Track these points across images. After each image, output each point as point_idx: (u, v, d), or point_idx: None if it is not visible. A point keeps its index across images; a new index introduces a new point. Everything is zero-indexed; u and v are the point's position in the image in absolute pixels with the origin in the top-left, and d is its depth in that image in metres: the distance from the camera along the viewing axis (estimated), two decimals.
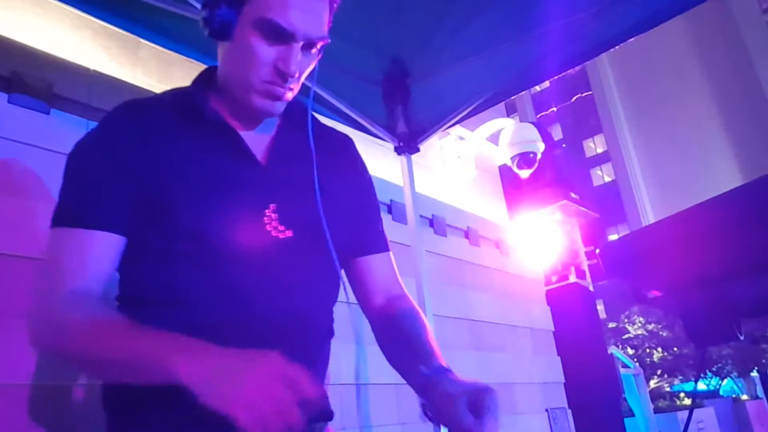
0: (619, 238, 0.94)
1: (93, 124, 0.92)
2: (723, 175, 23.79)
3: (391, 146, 2.13)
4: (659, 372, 15.91)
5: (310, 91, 0.97)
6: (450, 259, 2.87)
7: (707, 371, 15.31)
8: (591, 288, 4.62)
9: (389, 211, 2.52)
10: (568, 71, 2.01)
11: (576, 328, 4.00)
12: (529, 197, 4.19)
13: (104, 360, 0.77)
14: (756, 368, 15.96)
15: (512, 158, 3.69)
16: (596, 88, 30.75)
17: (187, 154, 0.88)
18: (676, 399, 13.93)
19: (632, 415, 6.65)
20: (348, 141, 1.10)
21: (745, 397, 15.24)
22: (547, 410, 3.18)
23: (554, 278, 4.33)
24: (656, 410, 9.09)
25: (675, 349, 15.44)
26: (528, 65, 1.94)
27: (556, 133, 31.59)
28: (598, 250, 0.92)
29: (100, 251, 0.83)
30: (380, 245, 1.06)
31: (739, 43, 26.59)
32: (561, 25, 1.75)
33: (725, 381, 16.59)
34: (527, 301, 3.40)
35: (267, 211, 0.88)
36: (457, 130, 3.30)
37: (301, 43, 0.85)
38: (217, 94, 0.94)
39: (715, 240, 0.80)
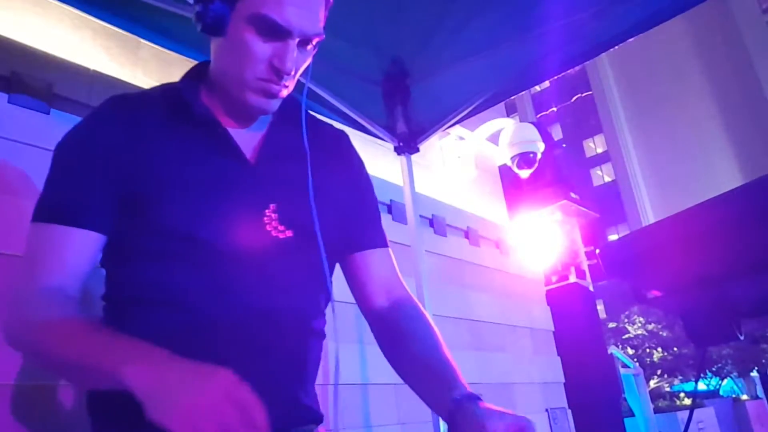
0: (619, 238, 0.94)
1: None
2: (723, 175, 23.79)
3: (390, 146, 2.13)
4: (659, 372, 15.92)
5: (304, 88, 0.95)
6: (450, 259, 2.87)
7: (707, 371, 15.31)
8: (591, 288, 4.62)
9: (389, 211, 2.52)
10: (568, 71, 2.01)
11: (576, 328, 4.00)
12: (529, 197, 4.19)
13: (63, 362, 0.76)
14: (756, 368, 15.96)
15: (512, 158, 3.69)
16: (596, 88, 30.75)
17: (173, 150, 0.86)
18: (676, 399, 13.93)
19: (632, 415, 6.65)
20: (342, 136, 1.08)
21: (745, 397, 15.25)
22: (547, 410, 3.18)
23: (554, 278, 4.33)
24: (656, 410, 9.10)
25: (675, 349, 15.45)
26: (528, 65, 1.93)
27: (556, 133, 31.60)
28: (598, 250, 0.92)
29: (78, 249, 0.82)
30: (377, 240, 1.03)
31: (739, 43, 26.59)
32: (561, 25, 1.75)
33: (725, 381, 16.59)
34: (527, 301, 3.40)
35: (267, 211, 0.87)
36: (457, 130, 3.30)
37: (297, 40, 0.83)
38: (208, 89, 0.92)
39: (715, 240, 0.80)
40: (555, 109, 33.43)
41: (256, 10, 0.80)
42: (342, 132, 1.08)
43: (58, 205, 0.83)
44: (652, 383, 15.33)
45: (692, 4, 1.68)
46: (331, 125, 1.08)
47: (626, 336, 16.31)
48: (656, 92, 27.99)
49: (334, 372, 0.84)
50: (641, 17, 1.73)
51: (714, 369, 15.67)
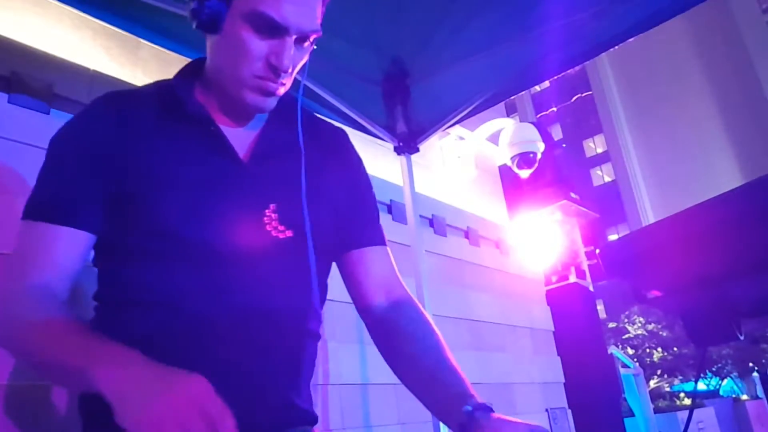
0: (619, 238, 0.94)
1: None
2: (723, 175, 23.80)
3: (390, 146, 2.13)
4: (659, 372, 15.93)
5: (300, 85, 0.93)
6: (450, 259, 2.87)
7: (707, 371, 15.32)
8: (591, 288, 4.62)
9: (389, 211, 2.52)
10: (568, 71, 2.01)
11: (576, 328, 4.00)
12: (529, 197, 4.19)
13: (44, 362, 0.75)
14: (756, 368, 15.96)
15: (512, 158, 3.68)
16: (596, 88, 30.76)
17: (165, 148, 0.85)
18: (676, 399, 13.94)
19: (632, 415, 6.65)
20: (340, 133, 1.06)
21: (745, 397, 15.25)
22: (547, 410, 3.18)
23: (554, 278, 4.33)
24: (656, 410, 9.10)
25: (675, 349, 15.46)
26: (528, 65, 1.93)
27: (556, 133, 31.60)
28: (598, 250, 0.92)
29: (67, 248, 0.81)
30: (375, 238, 1.00)
31: (739, 43, 26.59)
32: (561, 25, 1.75)
33: (725, 381, 16.60)
34: (527, 301, 3.40)
35: (267, 211, 0.86)
36: (457, 130, 3.30)
37: (294, 37, 0.82)
38: (203, 86, 0.91)
39: (715, 240, 0.80)
40: (555, 109, 33.43)
41: (253, 7, 0.79)
42: (340, 129, 1.07)
43: (47, 203, 0.82)
44: (652, 383, 15.34)
45: (692, 4, 1.68)
46: (329, 122, 1.07)
47: (626, 336, 16.31)
48: (656, 92, 28.00)
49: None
50: (641, 17, 1.73)
51: (714, 369, 15.67)
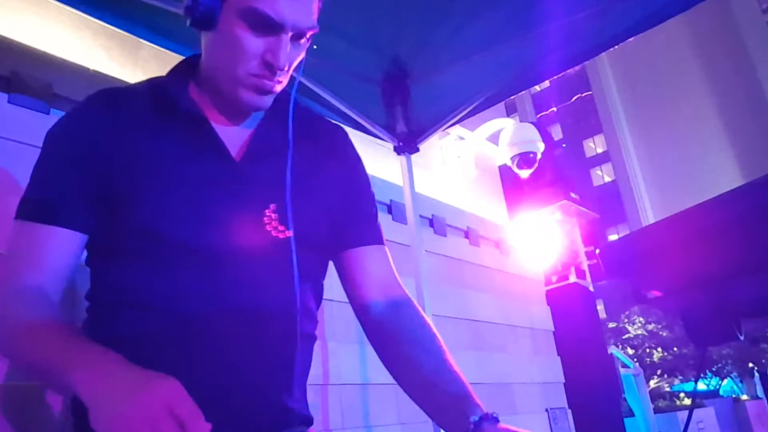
0: (619, 238, 0.94)
1: None
2: (723, 175, 23.79)
3: (390, 146, 2.13)
4: (659, 372, 15.93)
5: (294, 82, 0.90)
6: (450, 259, 2.87)
7: (707, 371, 15.32)
8: (591, 288, 4.62)
9: (389, 211, 2.52)
10: (568, 71, 2.01)
11: (576, 328, 4.00)
12: (529, 197, 4.19)
13: (29, 363, 0.75)
14: (756, 368, 15.97)
15: (512, 158, 3.69)
16: (596, 88, 30.76)
17: (156, 147, 0.83)
18: (676, 399, 13.92)
19: (632, 415, 6.65)
20: (338, 130, 1.03)
21: (745, 397, 15.25)
22: (547, 410, 3.18)
23: (554, 278, 4.33)
24: (656, 410, 9.09)
25: (675, 349, 15.46)
26: (528, 65, 1.93)
27: (556, 133, 31.60)
28: (598, 250, 0.91)
29: (59, 248, 0.80)
30: (373, 237, 0.98)
31: (739, 43, 26.59)
32: (561, 25, 1.75)
33: (725, 381, 16.60)
34: (527, 301, 3.40)
35: (267, 211, 0.85)
36: (457, 130, 3.30)
37: (290, 34, 0.80)
38: (198, 84, 0.89)
39: (715, 240, 0.80)
40: (555, 109, 33.43)
41: (248, 4, 0.78)
42: (338, 127, 1.04)
43: (39, 203, 0.82)
44: (652, 383, 15.33)
45: (692, 3, 1.68)
46: (328, 121, 1.05)
47: (626, 336, 16.31)
48: (656, 92, 27.99)
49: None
50: (641, 17, 1.73)
51: (714, 369, 15.68)
